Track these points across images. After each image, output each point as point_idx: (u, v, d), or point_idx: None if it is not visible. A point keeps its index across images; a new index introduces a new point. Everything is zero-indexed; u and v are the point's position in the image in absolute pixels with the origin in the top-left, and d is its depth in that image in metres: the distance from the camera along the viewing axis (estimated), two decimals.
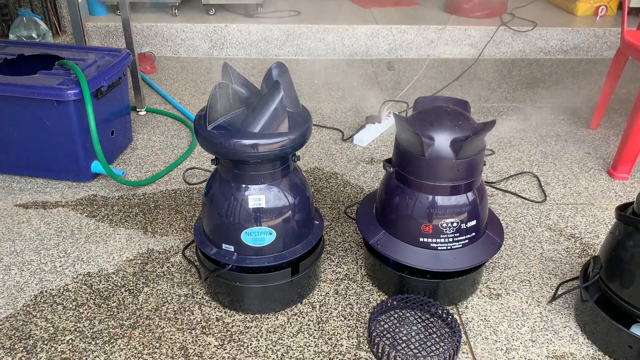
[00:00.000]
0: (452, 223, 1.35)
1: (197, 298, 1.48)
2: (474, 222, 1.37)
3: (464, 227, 1.36)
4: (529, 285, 1.55)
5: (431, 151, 1.29)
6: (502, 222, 1.80)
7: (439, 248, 1.37)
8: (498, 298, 1.51)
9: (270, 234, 1.33)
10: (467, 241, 1.39)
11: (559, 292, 1.52)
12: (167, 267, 1.59)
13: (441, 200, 1.33)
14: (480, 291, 1.53)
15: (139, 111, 2.50)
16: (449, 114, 1.33)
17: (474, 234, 1.39)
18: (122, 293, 1.49)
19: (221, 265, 1.38)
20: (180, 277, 1.55)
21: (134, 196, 1.91)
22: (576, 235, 1.77)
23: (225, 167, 1.32)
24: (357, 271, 1.59)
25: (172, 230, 1.74)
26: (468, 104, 1.44)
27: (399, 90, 2.85)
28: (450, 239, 1.36)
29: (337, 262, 1.62)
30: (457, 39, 3.35)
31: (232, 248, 1.35)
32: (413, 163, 1.33)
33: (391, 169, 1.40)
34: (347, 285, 1.53)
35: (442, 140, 1.29)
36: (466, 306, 1.47)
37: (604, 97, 2.40)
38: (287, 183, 1.34)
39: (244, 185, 1.31)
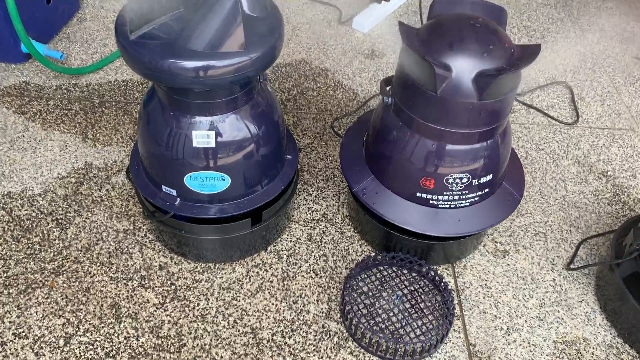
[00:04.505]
0: (460, 179, 1.03)
1: (138, 236, 1.21)
2: (489, 177, 1.06)
3: (476, 183, 1.05)
4: (544, 240, 1.28)
5: (446, 87, 0.93)
6: (521, 149, 1.48)
7: (439, 206, 1.07)
8: (505, 256, 1.24)
9: (223, 179, 1.02)
10: (477, 199, 1.08)
11: (581, 261, 1.25)
12: (107, 190, 1.30)
13: (451, 149, 1.00)
14: (484, 245, 1.26)
15: None
16: (477, 32, 0.95)
17: (487, 190, 1.08)
18: (48, 224, 1.22)
19: (162, 210, 1.09)
20: (121, 205, 1.27)
21: (75, 87, 1.56)
22: (609, 173, 1.46)
23: (162, 89, 0.97)
24: (338, 210, 1.30)
25: (118, 138, 1.42)
26: (504, 13, 1.04)
27: None
28: (457, 197, 1.06)
29: (315, 197, 1.33)
30: None
31: (174, 192, 1.05)
32: (419, 99, 0.97)
33: (389, 100, 1.04)
34: (324, 230, 1.26)
35: (463, 72, 0.92)
36: (464, 266, 1.21)
37: None
38: (247, 113, 1.00)
39: (188, 116, 0.97)
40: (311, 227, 1.26)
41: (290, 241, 1.23)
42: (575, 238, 1.29)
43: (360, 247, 1.23)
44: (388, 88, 1.08)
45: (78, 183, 1.31)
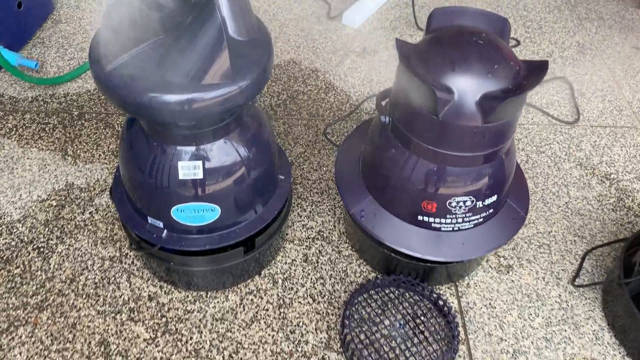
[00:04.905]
0: (464, 202, 0.97)
1: (125, 264, 1.15)
2: (494, 198, 1.00)
3: (480, 205, 0.99)
4: (548, 252, 1.23)
5: (448, 110, 0.86)
6: (522, 152, 1.43)
7: (442, 229, 1.02)
8: (509, 272, 1.20)
9: (213, 210, 0.96)
10: (481, 220, 1.03)
11: (587, 274, 1.20)
12: (90, 213, 1.23)
13: (454, 172, 0.94)
14: (487, 261, 1.21)
15: None
16: (481, 50, 0.88)
17: (491, 210, 1.03)
18: (29, 253, 1.15)
19: (148, 242, 1.03)
20: (106, 229, 1.20)
21: (52, 98, 1.47)
22: (612, 175, 1.41)
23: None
24: (334, 226, 1.24)
25: (100, 154, 1.35)
26: (507, 24, 0.97)
27: None
28: (460, 220, 1.00)
29: (309, 213, 1.27)
30: None
31: (160, 224, 0.98)
32: (419, 121, 0.91)
33: (386, 120, 0.98)
34: (320, 249, 1.20)
35: (466, 95, 0.86)
36: (467, 284, 1.17)
37: None
38: (236, 139, 0.93)
39: (172, 146, 0.90)
40: (306, 246, 1.20)
41: (285, 263, 1.17)
42: (579, 249, 1.25)
43: (359, 267, 1.18)
44: (384, 103, 1.02)
45: (59, 206, 1.24)
